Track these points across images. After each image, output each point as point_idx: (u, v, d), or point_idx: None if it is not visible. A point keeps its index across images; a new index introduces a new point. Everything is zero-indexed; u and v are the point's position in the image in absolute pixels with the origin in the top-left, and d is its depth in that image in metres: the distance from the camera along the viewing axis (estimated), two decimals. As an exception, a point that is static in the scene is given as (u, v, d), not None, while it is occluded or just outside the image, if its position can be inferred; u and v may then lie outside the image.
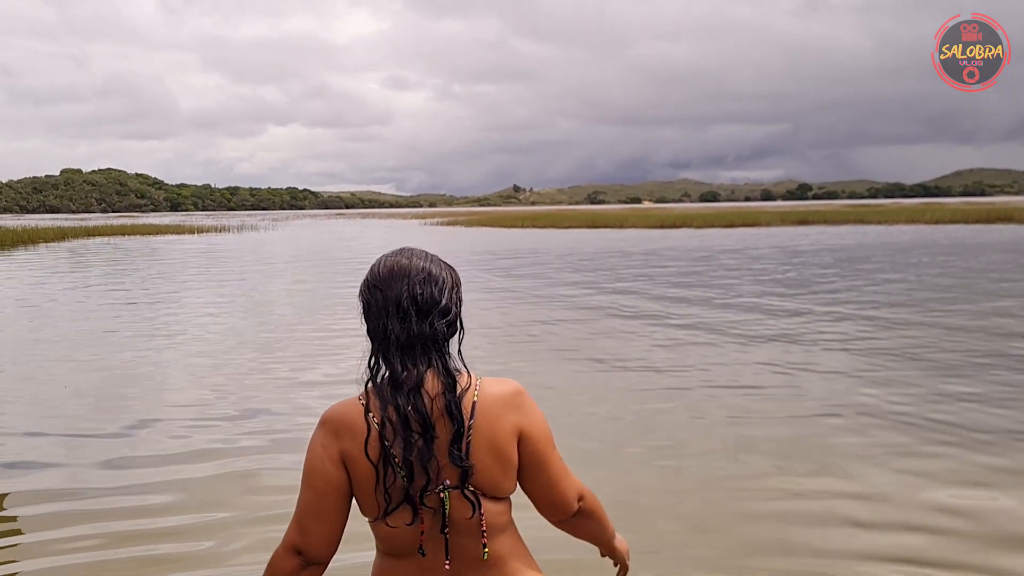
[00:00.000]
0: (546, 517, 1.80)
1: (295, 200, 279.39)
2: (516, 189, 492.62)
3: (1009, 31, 8.50)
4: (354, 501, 1.69)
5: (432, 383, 1.61)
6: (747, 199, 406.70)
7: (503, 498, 1.68)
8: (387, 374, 1.63)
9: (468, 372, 1.67)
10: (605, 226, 54.08)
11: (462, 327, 1.72)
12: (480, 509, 1.62)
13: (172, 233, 52.67)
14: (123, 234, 51.01)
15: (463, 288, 1.76)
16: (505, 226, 59.47)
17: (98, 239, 45.71)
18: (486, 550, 1.63)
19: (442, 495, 1.60)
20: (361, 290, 1.70)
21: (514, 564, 1.68)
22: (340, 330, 11.49)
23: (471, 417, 1.61)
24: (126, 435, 6.37)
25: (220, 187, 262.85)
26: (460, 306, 1.72)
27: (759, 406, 6.86)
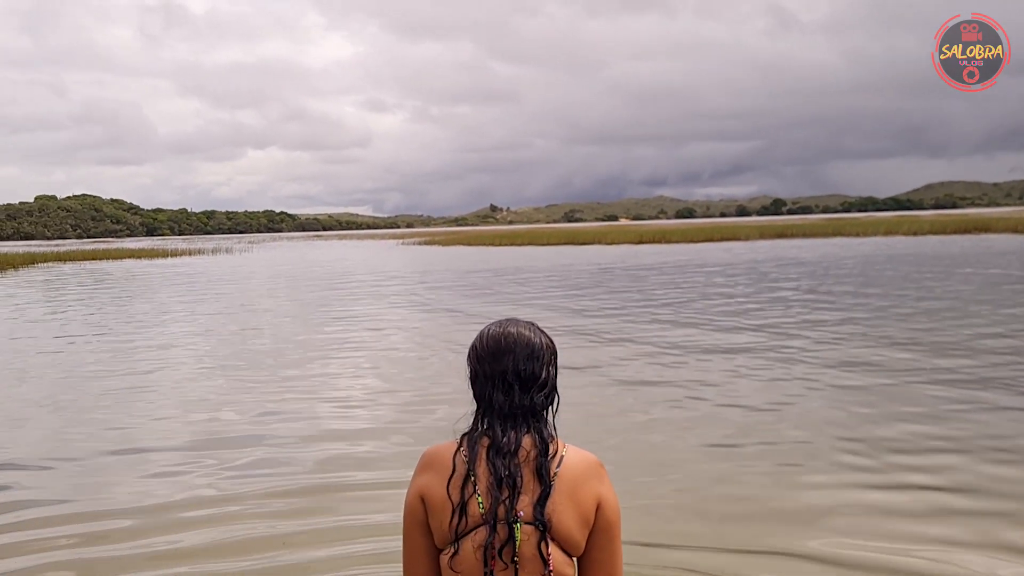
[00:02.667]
0: None
1: (272, 223, 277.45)
2: (493, 208, 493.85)
3: (1009, 31, 8.32)
4: None
5: (528, 445, 1.78)
6: (723, 215, 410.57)
7: (572, 555, 1.80)
8: (483, 434, 1.80)
9: (557, 437, 1.84)
10: (584, 242, 54.01)
11: (557, 394, 1.89)
12: (548, 547, 1.73)
13: (145, 257, 51.87)
14: (95, 259, 50.16)
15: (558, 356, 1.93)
16: (484, 244, 59.32)
17: (69, 264, 44.80)
18: None
19: (515, 526, 1.73)
20: (469, 356, 1.89)
21: None
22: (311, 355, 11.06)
23: (558, 466, 1.78)
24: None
25: (197, 211, 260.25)
26: (556, 374, 1.89)
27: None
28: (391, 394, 8.33)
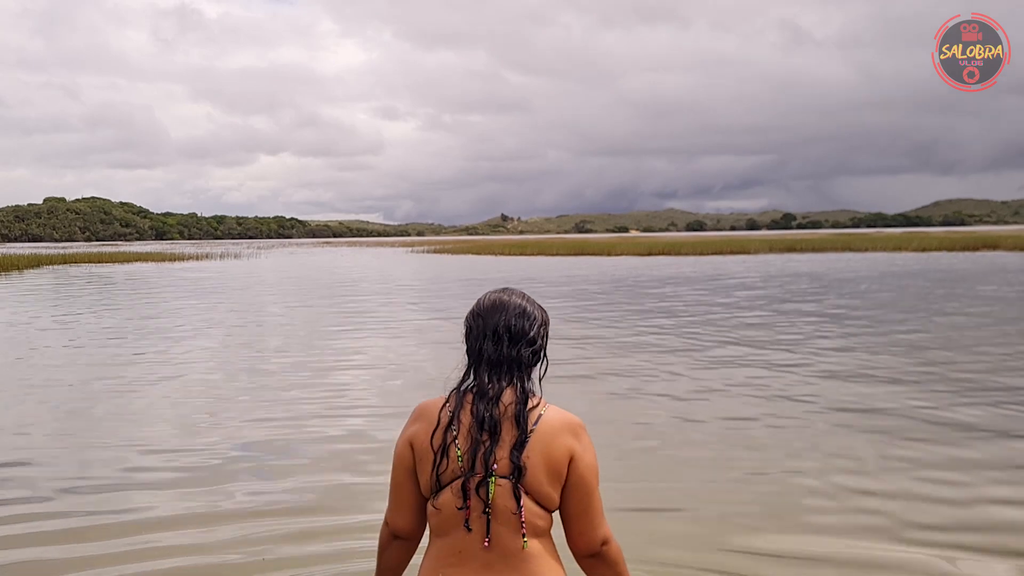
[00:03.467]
0: (572, 548, 1.97)
1: (282, 229, 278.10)
2: (504, 218, 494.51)
3: (1009, 31, 8.19)
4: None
5: (508, 396, 1.90)
6: (732, 228, 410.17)
7: (547, 509, 1.91)
8: (473, 384, 1.93)
9: (541, 396, 1.96)
10: (593, 253, 53.86)
11: (546, 359, 2.02)
12: (521, 502, 1.83)
13: (152, 261, 51.89)
14: (100, 261, 50.24)
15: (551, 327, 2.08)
16: (493, 254, 59.28)
17: (75, 267, 44.89)
18: (525, 540, 1.84)
19: (488, 480, 1.83)
20: (467, 317, 2.02)
21: (547, 565, 1.88)
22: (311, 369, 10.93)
23: (534, 425, 1.88)
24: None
25: (207, 216, 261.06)
26: (546, 341, 2.02)
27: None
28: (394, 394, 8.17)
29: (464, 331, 2.01)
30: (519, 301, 1.99)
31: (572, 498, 1.91)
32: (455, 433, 1.88)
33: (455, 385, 1.96)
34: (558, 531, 1.97)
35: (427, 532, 2.00)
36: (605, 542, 1.96)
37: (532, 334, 1.96)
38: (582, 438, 1.92)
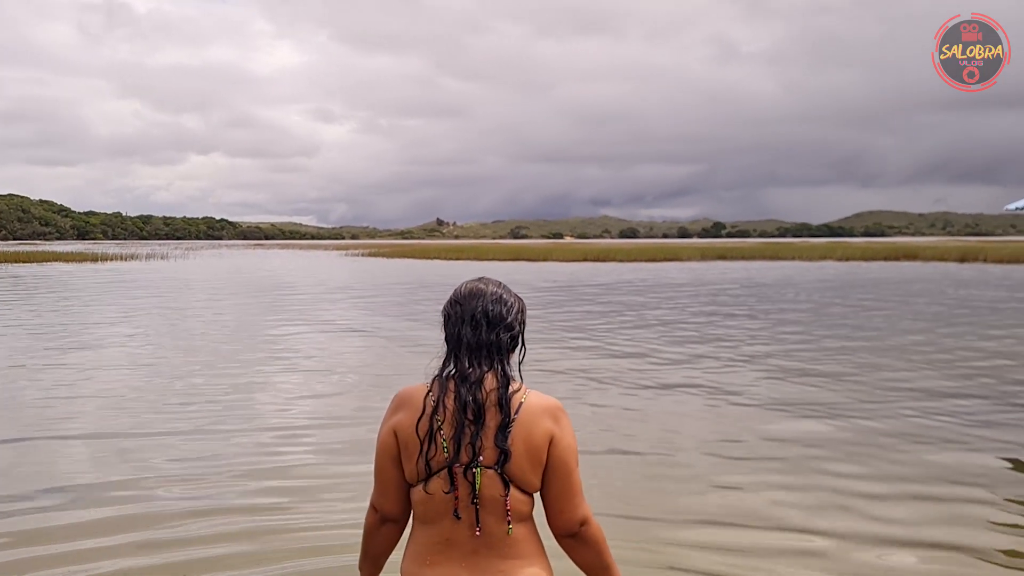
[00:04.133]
0: (552, 527, 1.99)
1: (212, 230, 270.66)
2: (440, 222, 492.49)
3: (1009, 31, 8.37)
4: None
5: (490, 381, 1.92)
6: (665, 236, 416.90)
7: (528, 493, 1.94)
8: (455, 371, 1.93)
9: (522, 381, 1.98)
10: (530, 259, 53.97)
11: (524, 345, 2.05)
12: (508, 490, 1.88)
13: (73, 261, 49.88)
14: (16, 261, 48.06)
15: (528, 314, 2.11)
16: (430, 258, 58.89)
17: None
18: (510, 527, 1.89)
19: (475, 470, 1.86)
20: (445, 306, 2.04)
21: (530, 548, 1.94)
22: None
23: (515, 412, 1.90)
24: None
25: (132, 215, 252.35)
26: (523, 328, 2.06)
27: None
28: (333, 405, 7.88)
29: (442, 320, 2.03)
30: (495, 288, 2.03)
31: (552, 480, 1.94)
32: (440, 420, 1.89)
33: (436, 372, 1.97)
34: (538, 512, 1.98)
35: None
36: (584, 522, 1.99)
37: (510, 319, 2.00)
38: (561, 420, 1.95)
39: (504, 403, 1.88)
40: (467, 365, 1.92)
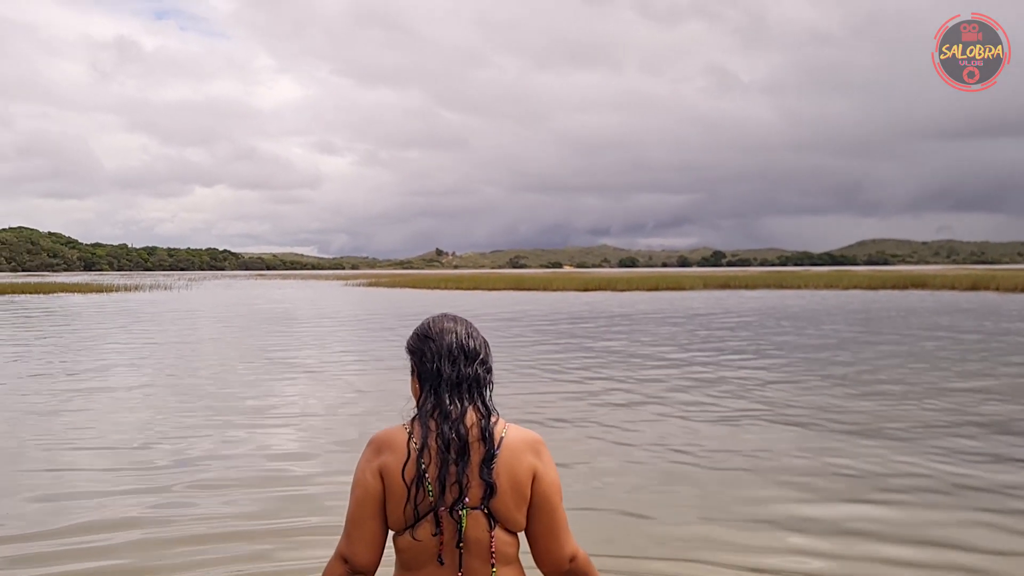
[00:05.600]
0: (541, 567, 1.96)
1: (215, 261, 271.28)
2: (439, 253, 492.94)
3: (1009, 31, 8.37)
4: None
5: (471, 416, 1.89)
6: (664, 265, 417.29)
7: (513, 533, 1.90)
8: (434, 408, 1.89)
9: (499, 415, 1.95)
10: (529, 288, 53.80)
11: (491, 381, 2.00)
12: (493, 530, 1.84)
13: (78, 292, 50.04)
14: (24, 292, 48.17)
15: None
16: (429, 288, 58.79)
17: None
18: (494, 570, 1.84)
19: (460, 512, 1.82)
20: (410, 344, 2.01)
21: None
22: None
23: (497, 447, 1.87)
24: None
25: (137, 247, 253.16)
26: (491, 362, 2.02)
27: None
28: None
29: (411, 358, 2.00)
30: (464, 325, 2.02)
31: (537, 518, 1.91)
32: (426, 463, 1.85)
33: (414, 414, 1.93)
34: (525, 550, 1.93)
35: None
36: (573, 558, 1.95)
37: (483, 355, 1.99)
38: (543, 455, 1.93)
39: (487, 435, 1.86)
40: (448, 402, 1.88)
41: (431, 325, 2.01)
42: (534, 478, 1.89)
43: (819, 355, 13.68)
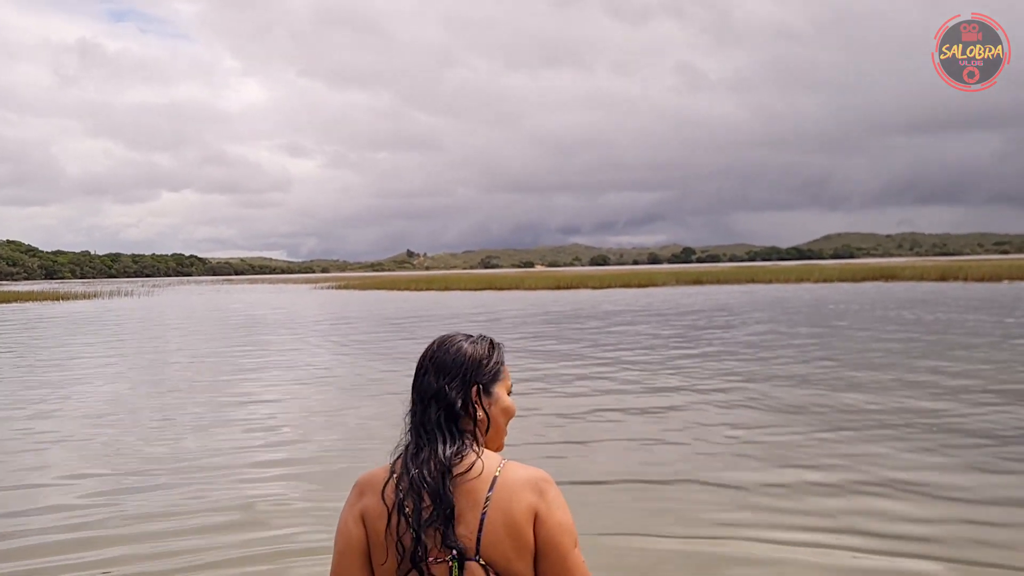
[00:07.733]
0: None
1: (181, 266, 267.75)
2: (410, 254, 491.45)
3: (1009, 31, 8.32)
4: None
5: (449, 450, 1.65)
6: (635, 262, 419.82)
7: None
8: (409, 443, 1.68)
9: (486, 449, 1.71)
10: (502, 288, 53.63)
11: (483, 403, 1.74)
12: None
13: (33, 300, 49.20)
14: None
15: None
16: (400, 289, 58.48)
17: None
18: None
19: (451, 564, 1.58)
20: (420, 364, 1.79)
21: None
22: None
23: (490, 490, 1.61)
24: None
25: (100, 254, 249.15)
26: (484, 379, 1.76)
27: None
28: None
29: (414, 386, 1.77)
30: (464, 337, 1.81)
31: (545, 567, 1.62)
32: (409, 508, 1.61)
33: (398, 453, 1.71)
34: None
35: None
36: None
37: (464, 370, 1.76)
38: (547, 494, 1.64)
39: (445, 477, 1.61)
40: (417, 432, 1.67)
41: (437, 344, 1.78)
42: (536, 520, 1.62)
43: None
